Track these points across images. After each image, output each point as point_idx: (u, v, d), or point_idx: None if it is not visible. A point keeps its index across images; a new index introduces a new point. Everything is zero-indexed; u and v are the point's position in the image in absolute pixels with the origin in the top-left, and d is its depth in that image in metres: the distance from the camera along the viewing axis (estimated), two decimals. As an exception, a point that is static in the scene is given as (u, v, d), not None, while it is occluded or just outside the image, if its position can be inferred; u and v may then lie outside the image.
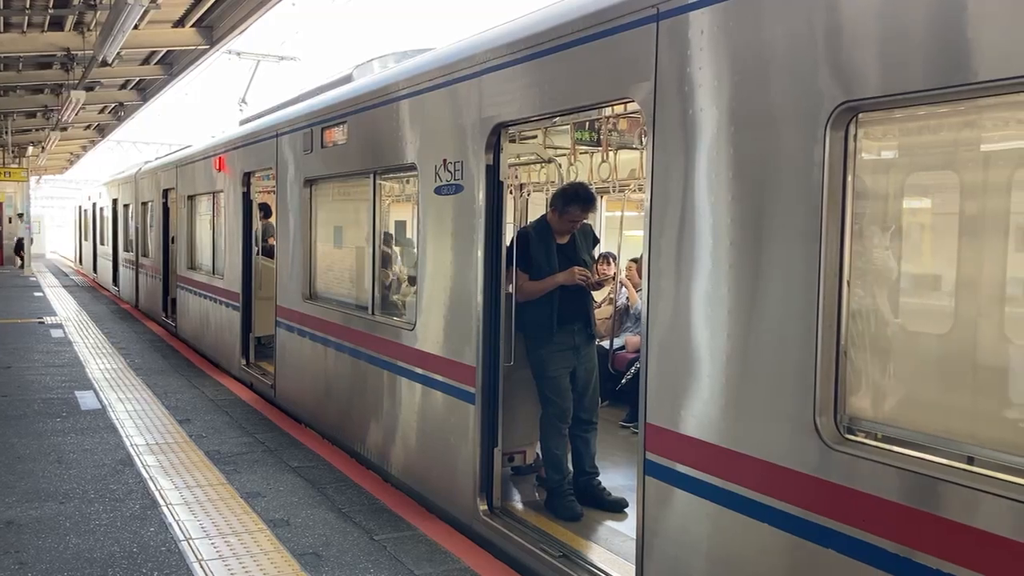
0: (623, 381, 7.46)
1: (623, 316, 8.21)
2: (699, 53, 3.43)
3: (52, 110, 19.00)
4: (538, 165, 8.97)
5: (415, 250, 5.87)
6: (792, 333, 3.06)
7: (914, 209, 3.15)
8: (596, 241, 5.99)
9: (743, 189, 3.27)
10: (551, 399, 5.37)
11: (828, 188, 2.93)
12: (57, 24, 12.67)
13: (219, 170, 10.87)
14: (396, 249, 7.89)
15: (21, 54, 13.55)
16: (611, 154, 7.14)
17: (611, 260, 7.97)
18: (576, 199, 5.38)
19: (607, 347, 7.70)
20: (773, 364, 3.15)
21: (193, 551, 4.84)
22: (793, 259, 3.06)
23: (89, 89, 15.45)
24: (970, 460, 2.70)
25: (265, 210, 10.96)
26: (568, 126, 7.09)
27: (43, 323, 15.14)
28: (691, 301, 3.50)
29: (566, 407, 5.37)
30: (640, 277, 4.43)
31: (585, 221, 5.62)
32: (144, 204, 17.04)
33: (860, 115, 2.90)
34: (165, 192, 14.83)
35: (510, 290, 5.17)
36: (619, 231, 7.50)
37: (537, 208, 9.47)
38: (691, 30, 3.46)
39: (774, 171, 3.14)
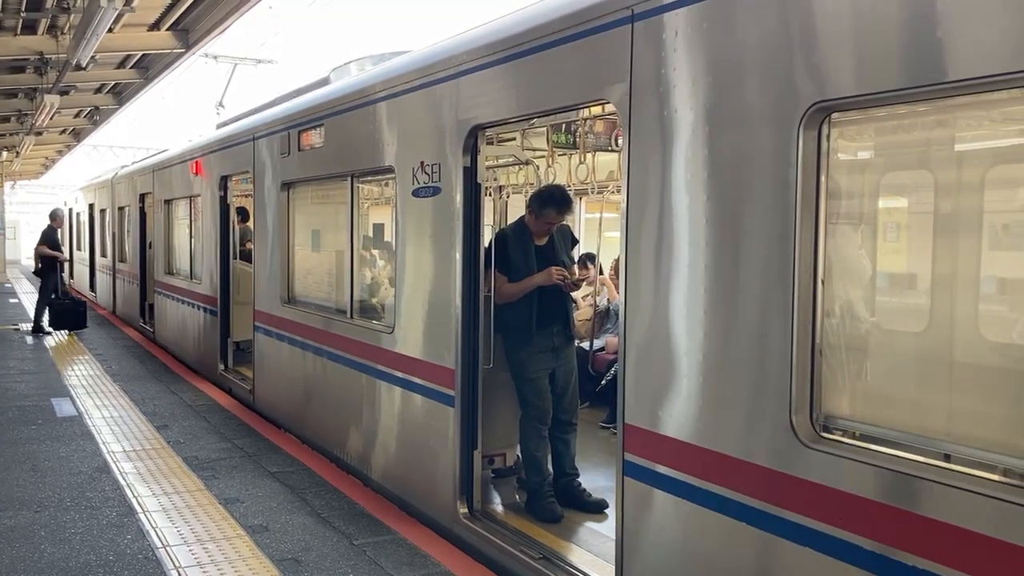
0: (603, 382, 7.47)
1: (603, 317, 8.21)
2: (673, 54, 3.44)
3: (26, 114, 18.77)
4: (516, 167, 8.96)
5: (393, 253, 5.85)
6: (768, 332, 3.07)
7: (887, 208, 3.18)
8: (575, 242, 6.00)
9: (718, 189, 3.28)
10: (530, 401, 5.36)
11: (802, 188, 2.94)
12: (30, 28, 12.50)
13: (196, 174, 10.80)
14: (374, 252, 7.87)
15: (-7, 58, 13.39)
16: (588, 156, 7.14)
17: (588, 264, 7.95)
18: (552, 201, 5.38)
19: (587, 348, 7.70)
20: (749, 363, 3.16)
21: (171, 558, 4.79)
22: (768, 258, 3.07)
23: (64, 93, 15.27)
24: (947, 457, 2.72)
25: (242, 214, 10.89)
26: (546, 128, 7.09)
27: (18, 330, 14.96)
28: (668, 301, 3.51)
29: (545, 409, 5.37)
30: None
31: (563, 223, 5.62)
32: (121, 209, 16.89)
33: (833, 115, 2.91)
34: (142, 197, 14.72)
35: (489, 292, 5.16)
36: (598, 233, 7.51)
37: (516, 210, 9.46)
38: (666, 31, 3.47)
39: (749, 171, 3.15)
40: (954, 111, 2.82)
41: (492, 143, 6.49)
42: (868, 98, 2.78)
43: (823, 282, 2.97)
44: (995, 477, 2.54)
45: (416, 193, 5.40)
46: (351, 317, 6.56)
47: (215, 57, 17.15)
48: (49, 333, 14.37)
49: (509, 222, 7.73)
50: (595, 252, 7.78)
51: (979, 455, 2.62)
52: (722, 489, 3.28)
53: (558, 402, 5.44)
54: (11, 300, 20.84)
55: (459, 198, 4.95)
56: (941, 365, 2.97)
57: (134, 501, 5.75)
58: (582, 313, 8.14)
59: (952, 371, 2.93)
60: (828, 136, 2.93)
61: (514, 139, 7.62)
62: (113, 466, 6.57)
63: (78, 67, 11.94)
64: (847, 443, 2.91)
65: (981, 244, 2.79)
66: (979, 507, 2.48)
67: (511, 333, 5.37)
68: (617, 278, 6.91)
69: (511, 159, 8.20)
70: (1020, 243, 2.85)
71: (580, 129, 7.08)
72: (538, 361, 5.35)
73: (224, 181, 9.76)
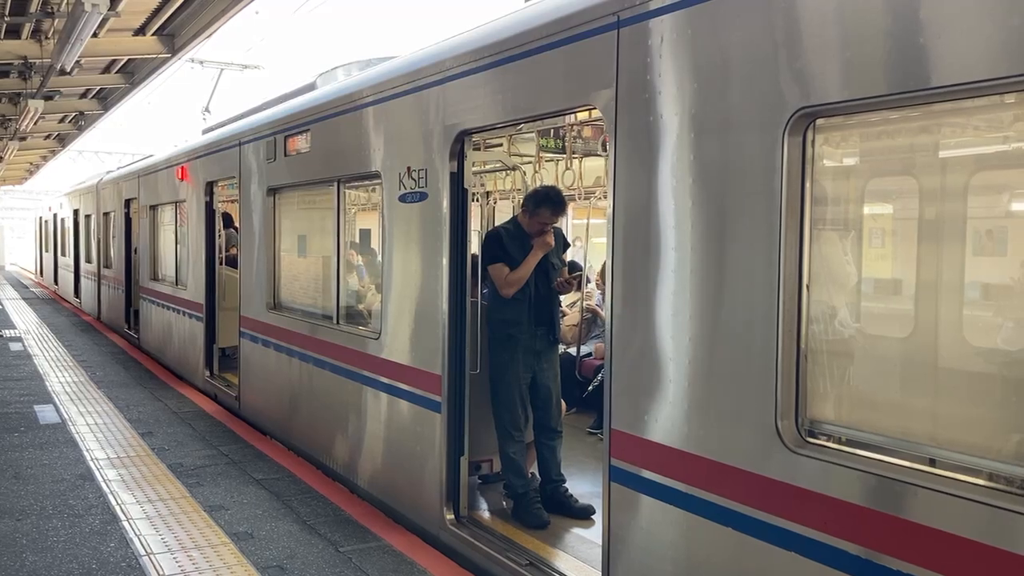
0: (590, 388, 7.46)
1: (591, 323, 8.22)
2: (659, 60, 3.45)
3: (10, 119, 18.65)
4: (504, 173, 8.96)
5: (380, 259, 5.84)
6: (753, 337, 3.07)
7: (872, 214, 3.19)
8: (567, 245, 6.01)
9: (704, 195, 3.28)
10: (504, 406, 5.35)
11: (787, 193, 2.95)
12: (14, 32, 12.42)
13: (182, 179, 10.76)
14: (361, 258, 7.85)
15: (-23, 63, 13.30)
16: (576, 161, 7.15)
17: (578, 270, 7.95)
18: (547, 201, 5.38)
19: (574, 354, 7.71)
20: (735, 368, 3.17)
21: (154, 566, 4.75)
22: (753, 264, 3.07)
23: (48, 98, 15.15)
24: (932, 462, 2.72)
25: (225, 219, 10.84)
26: (533, 133, 7.10)
27: (1, 336, 14.84)
28: (654, 306, 3.51)
29: (518, 415, 5.35)
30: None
31: (555, 226, 5.62)
32: (106, 215, 16.81)
33: (818, 121, 2.92)
34: (127, 202, 14.65)
35: (475, 298, 5.15)
36: (585, 238, 7.52)
37: (503, 216, 9.46)
38: (651, 37, 3.48)
39: (734, 177, 3.16)
40: (938, 117, 2.83)
41: (479, 149, 6.49)
42: (852, 104, 2.79)
43: (808, 287, 2.97)
44: (980, 481, 2.55)
45: (403, 199, 5.39)
46: (337, 323, 6.54)
47: (201, 62, 17.10)
48: None
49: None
50: (583, 257, 7.79)
51: (964, 460, 2.63)
52: (708, 494, 3.27)
53: (543, 409, 5.43)
54: (-6, 306, 20.69)
55: (446, 204, 4.94)
56: (926, 370, 2.98)
57: (117, 508, 5.70)
58: (570, 319, 8.15)
59: (937, 376, 2.94)
60: (813, 142, 2.94)
61: (501, 145, 7.62)
62: (96, 473, 6.52)
63: (62, 72, 11.88)
64: (833, 448, 2.92)
65: (965, 250, 2.81)
66: (964, 511, 2.48)
67: (498, 334, 5.36)
68: (603, 284, 6.91)
69: (498, 164, 8.21)
70: (1004, 249, 2.87)
71: (568, 134, 7.09)
72: (520, 363, 5.34)
73: (210, 187, 9.72)
